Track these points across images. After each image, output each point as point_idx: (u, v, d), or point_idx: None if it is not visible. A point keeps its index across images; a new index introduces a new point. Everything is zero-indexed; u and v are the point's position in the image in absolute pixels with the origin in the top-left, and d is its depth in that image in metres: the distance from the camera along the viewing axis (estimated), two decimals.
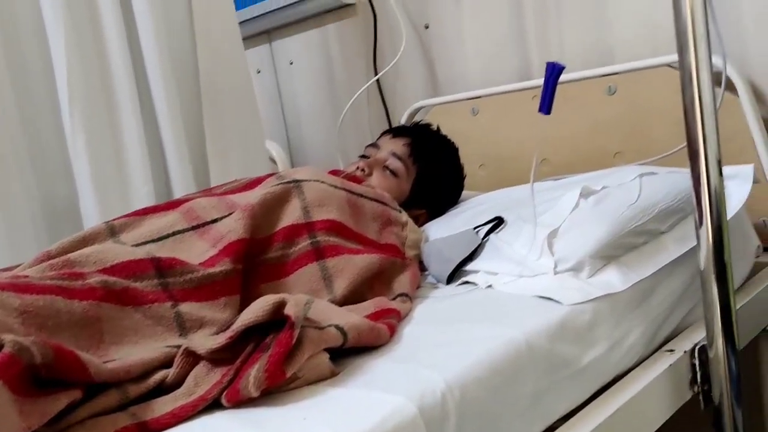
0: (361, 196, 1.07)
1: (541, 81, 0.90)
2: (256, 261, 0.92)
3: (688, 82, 0.76)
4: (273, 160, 1.93)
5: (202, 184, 1.49)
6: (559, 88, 1.43)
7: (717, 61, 1.09)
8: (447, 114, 1.69)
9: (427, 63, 1.80)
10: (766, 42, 1.23)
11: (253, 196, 0.97)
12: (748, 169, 1.02)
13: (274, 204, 0.97)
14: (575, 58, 1.50)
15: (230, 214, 0.94)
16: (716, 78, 1.13)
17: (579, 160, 1.44)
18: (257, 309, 0.68)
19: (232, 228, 0.91)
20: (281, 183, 1.00)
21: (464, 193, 1.41)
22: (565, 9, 1.50)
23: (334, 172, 1.18)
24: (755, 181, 1.06)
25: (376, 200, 1.09)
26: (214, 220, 0.94)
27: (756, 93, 1.24)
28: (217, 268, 0.85)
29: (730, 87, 1.21)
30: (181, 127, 1.44)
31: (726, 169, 1.06)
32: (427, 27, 1.78)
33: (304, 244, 0.93)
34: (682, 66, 0.75)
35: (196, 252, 0.89)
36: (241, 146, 1.56)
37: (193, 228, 0.93)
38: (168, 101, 1.42)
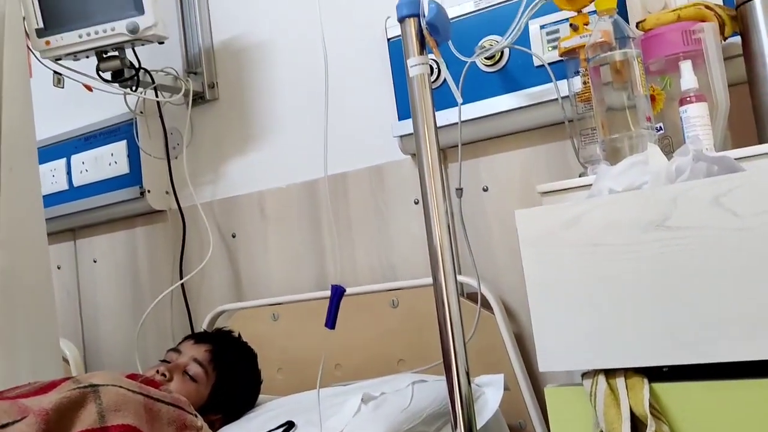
0: (158, 400, 1.11)
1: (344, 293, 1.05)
2: None
3: (440, 305, 0.93)
4: (66, 360, 1.88)
5: None
6: (352, 299, 1.62)
7: (474, 282, 1.33)
8: (249, 318, 1.78)
9: (233, 269, 1.92)
10: (514, 268, 1.50)
11: (48, 400, 0.98)
12: (499, 379, 1.21)
13: (70, 408, 0.98)
14: (365, 273, 1.70)
15: (23, 418, 0.94)
16: (475, 298, 1.37)
17: (368, 366, 1.58)
18: None
19: None
20: (78, 387, 1.02)
21: (261, 396, 1.48)
22: (356, 229, 1.72)
23: (132, 376, 1.21)
24: (506, 389, 1.25)
25: (173, 405, 1.13)
26: (4, 426, 0.93)
27: (509, 311, 1.49)
28: None
29: (488, 306, 1.45)
30: None
31: (482, 378, 1.26)
32: (234, 236, 1.92)
33: None
34: (436, 291, 0.94)
35: None
36: (33, 345, 1.52)
37: None
38: None
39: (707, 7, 1.14)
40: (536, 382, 1.45)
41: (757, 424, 0.77)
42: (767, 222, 0.76)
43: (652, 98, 1.13)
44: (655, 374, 0.86)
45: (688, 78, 1.07)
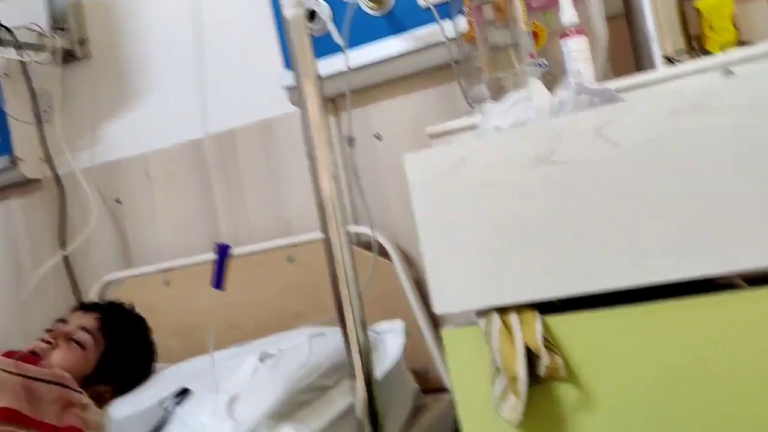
0: (38, 379, 1.03)
1: (230, 252, 1.00)
2: None
3: (331, 256, 0.90)
4: None
5: None
6: (247, 258, 1.57)
7: (368, 230, 1.31)
8: (140, 286, 1.70)
9: (120, 236, 1.82)
10: (409, 215, 1.48)
11: None
12: (399, 325, 1.20)
13: None
14: (260, 231, 1.65)
15: None
16: (370, 246, 1.35)
17: (267, 324, 1.54)
18: None
19: None
20: None
21: (158, 365, 1.42)
22: (248, 186, 1.66)
23: (8, 354, 1.13)
24: (408, 335, 1.25)
25: (55, 383, 1.06)
26: None
27: (408, 258, 1.48)
28: None
29: (386, 253, 1.43)
30: None
31: (382, 325, 1.25)
32: (118, 201, 1.82)
33: None
34: (326, 242, 0.90)
35: None
36: None
37: None
38: None
39: None
40: (439, 327, 1.45)
41: (641, 347, 0.79)
42: (646, 151, 0.77)
43: (535, 35, 1.12)
44: (549, 308, 0.87)
45: (568, 13, 1.06)
